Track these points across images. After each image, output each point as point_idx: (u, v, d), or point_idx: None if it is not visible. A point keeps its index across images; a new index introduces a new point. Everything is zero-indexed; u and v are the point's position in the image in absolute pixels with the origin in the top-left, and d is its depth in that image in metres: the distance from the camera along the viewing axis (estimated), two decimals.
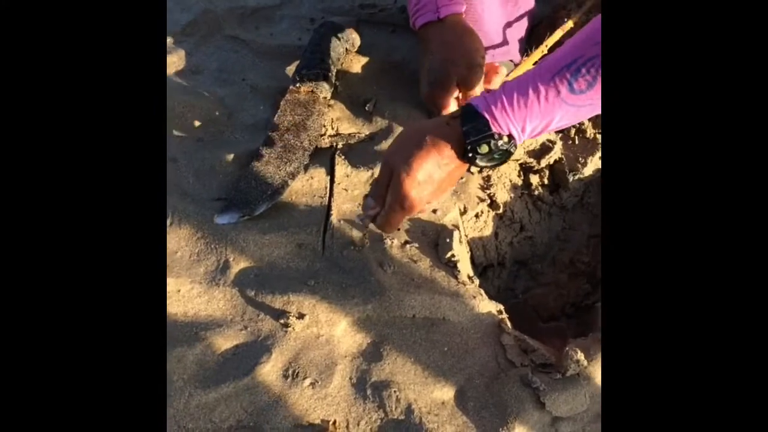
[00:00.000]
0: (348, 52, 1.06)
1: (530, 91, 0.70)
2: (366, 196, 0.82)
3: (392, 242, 0.88)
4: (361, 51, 1.09)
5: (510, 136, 0.73)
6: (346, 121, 1.01)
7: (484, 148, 0.72)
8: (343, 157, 0.96)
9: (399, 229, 0.89)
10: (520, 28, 1.01)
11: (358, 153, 0.97)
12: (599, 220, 1.02)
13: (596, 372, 0.78)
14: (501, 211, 0.97)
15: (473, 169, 0.94)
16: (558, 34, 0.95)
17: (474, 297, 0.84)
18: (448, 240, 0.88)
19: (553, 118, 0.71)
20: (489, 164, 0.75)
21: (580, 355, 0.78)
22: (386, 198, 0.77)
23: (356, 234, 0.89)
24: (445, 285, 0.85)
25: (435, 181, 0.76)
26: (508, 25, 0.98)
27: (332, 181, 0.94)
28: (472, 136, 0.72)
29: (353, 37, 1.05)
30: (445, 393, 0.78)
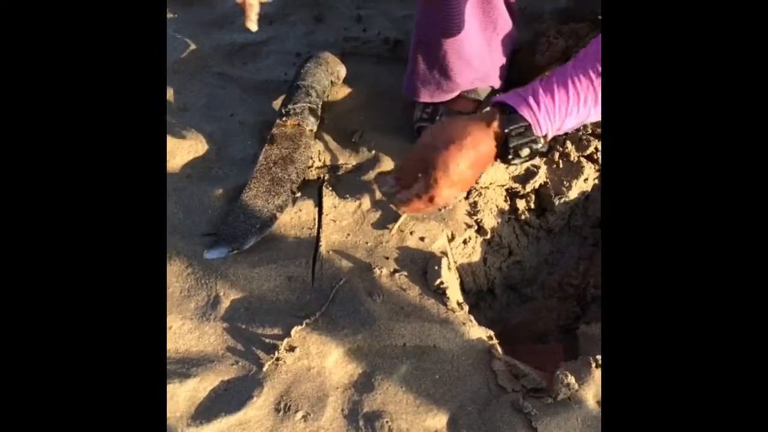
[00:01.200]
0: (334, 84, 1.08)
1: (568, 88, 0.72)
2: (382, 173, 0.85)
3: (381, 271, 0.89)
4: (347, 82, 1.11)
5: (545, 137, 0.75)
6: (333, 153, 1.03)
7: (526, 152, 0.75)
8: (330, 188, 0.97)
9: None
10: (501, 54, 1.03)
11: (346, 184, 0.99)
12: (587, 242, 1.03)
13: (588, 395, 0.78)
14: (489, 236, 0.98)
15: (460, 195, 0.95)
16: None
17: (464, 324, 0.85)
18: (436, 267, 0.89)
19: (588, 112, 0.74)
20: (520, 162, 0.78)
21: (571, 379, 0.78)
22: (413, 185, 0.78)
23: (345, 264, 0.89)
24: (434, 312, 0.85)
25: (467, 177, 0.78)
26: (489, 50, 1.00)
27: (320, 213, 0.95)
28: (515, 140, 0.74)
29: (338, 69, 1.07)
30: (438, 421, 0.78)
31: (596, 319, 0.94)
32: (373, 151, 1.02)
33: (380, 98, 1.09)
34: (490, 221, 0.98)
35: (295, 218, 0.94)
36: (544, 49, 1.04)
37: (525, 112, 0.73)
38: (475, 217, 0.97)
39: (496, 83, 1.03)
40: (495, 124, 0.75)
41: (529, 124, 0.74)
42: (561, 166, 1.00)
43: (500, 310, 1.00)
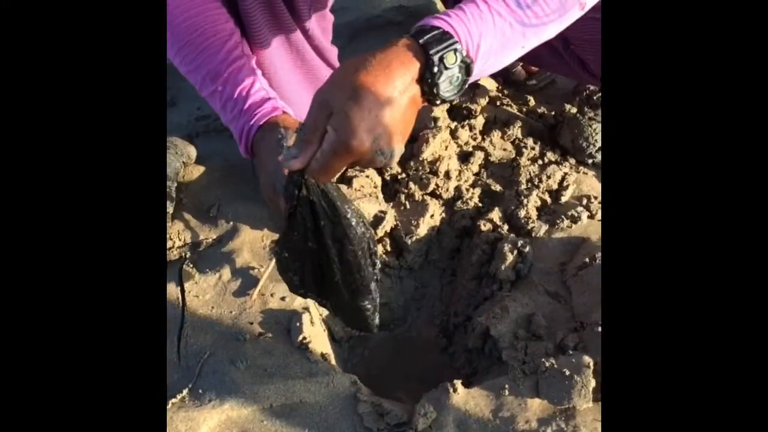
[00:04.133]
0: (186, 165, 1.12)
1: (478, 5, 0.65)
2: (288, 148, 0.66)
3: (245, 337, 0.92)
4: (199, 161, 1.15)
5: (468, 57, 0.64)
6: (192, 230, 1.06)
7: (451, 58, 0.62)
8: (191, 265, 1.00)
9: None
10: None
11: (207, 258, 1.02)
12: (447, 273, 1.09)
13: (448, 420, 0.83)
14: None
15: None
16: None
17: (327, 374, 0.88)
18: (298, 324, 0.93)
19: (505, 36, 0.66)
20: (449, 91, 0.65)
21: (429, 408, 0.83)
22: (323, 139, 0.62)
23: (210, 337, 0.92)
24: (298, 369, 0.89)
25: (390, 112, 0.61)
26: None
27: (183, 291, 0.97)
28: (435, 46, 0.62)
29: (188, 150, 1.12)
30: None
31: (461, 346, 1.00)
32: (231, 222, 1.06)
33: (234, 170, 1.14)
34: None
35: None
36: None
37: (435, 22, 0.64)
38: None
39: None
40: (407, 41, 0.63)
41: (446, 31, 0.63)
42: (408, 206, 1.06)
43: (374, 349, 1.04)
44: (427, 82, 0.63)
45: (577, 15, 0.72)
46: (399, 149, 0.65)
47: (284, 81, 1.00)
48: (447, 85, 0.64)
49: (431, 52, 0.62)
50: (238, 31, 0.92)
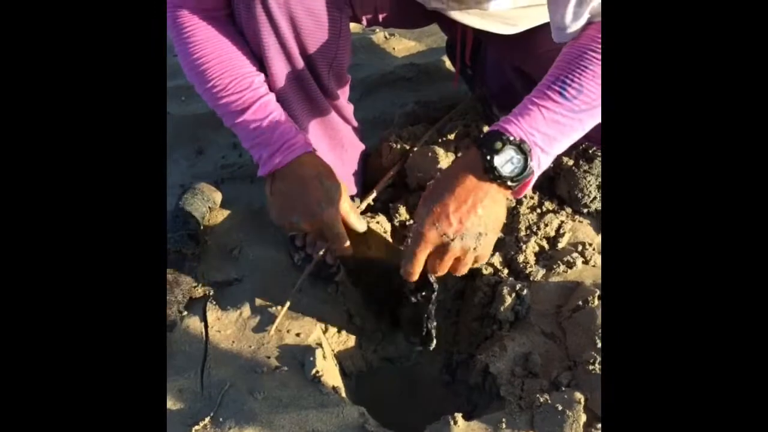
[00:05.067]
0: (211, 210, 1.22)
1: (529, 106, 0.79)
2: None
3: (263, 370, 1.00)
4: (224, 205, 1.25)
5: (522, 140, 0.77)
6: (215, 270, 1.15)
7: (498, 144, 0.76)
8: (214, 303, 1.09)
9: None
10: (353, 165, 1.19)
11: (229, 296, 1.11)
12: (452, 313, 1.16)
13: None
14: (360, 323, 1.10)
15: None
16: (382, 184, 1.15)
17: (338, 405, 0.95)
18: (311, 358, 1.00)
19: (560, 124, 0.79)
20: (512, 173, 0.78)
21: None
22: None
23: (231, 369, 1.00)
24: (311, 400, 0.96)
25: (464, 207, 0.79)
26: (342, 165, 1.16)
27: (206, 327, 1.06)
28: (486, 143, 0.78)
29: (214, 196, 1.22)
30: None
31: (462, 382, 1.07)
32: (252, 263, 1.15)
33: (256, 215, 1.23)
34: (359, 309, 1.11)
35: (183, 335, 1.05)
36: (386, 153, 1.21)
37: (492, 128, 0.80)
38: (345, 307, 1.10)
39: (353, 189, 1.19)
40: (468, 153, 0.81)
41: (497, 131, 0.78)
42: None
43: (381, 384, 1.11)
44: (486, 168, 0.78)
45: None
46: (477, 235, 0.83)
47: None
48: (507, 166, 0.78)
49: (482, 147, 0.78)
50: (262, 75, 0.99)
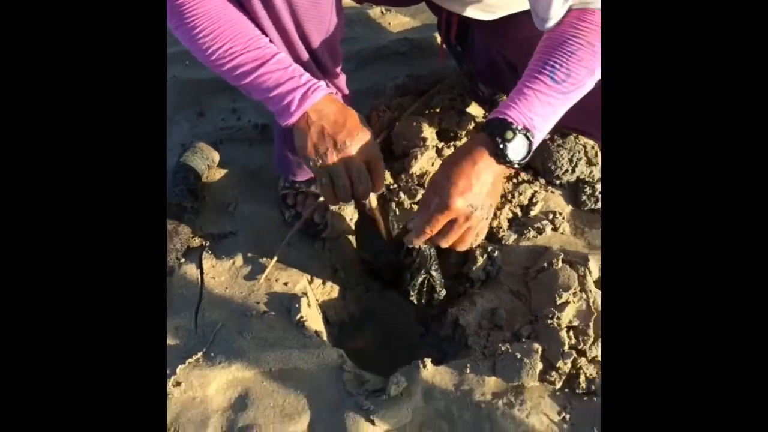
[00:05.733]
0: (210, 168, 1.30)
1: (524, 91, 0.88)
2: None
3: (252, 314, 1.09)
4: (222, 165, 1.33)
5: (526, 128, 0.87)
6: (212, 223, 1.24)
7: (509, 134, 0.87)
8: (210, 252, 1.18)
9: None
10: None
11: (224, 247, 1.20)
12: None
13: (417, 390, 0.99)
14: (344, 276, 1.19)
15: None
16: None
17: (319, 347, 1.05)
18: (297, 305, 1.10)
19: (551, 107, 0.88)
20: (519, 157, 0.89)
21: (401, 379, 0.99)
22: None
23: (223, 312, 1.09)
24: (295, 341, 1.06)
25: (479, 185, 0.90)
26: None
27: (202, 273, 1.15)
28: (496, 131, 0.87)
29: (212, 155, 1.30)
30: (299, 426, 0.97)
31: (435, 334, 1.16)
32: (246, 218, 1.24)
33: (251, 175, 1.32)
34: (344, 263, 1.20)
35: (181, 280, 1.14)
36: (375, 122, 1.29)
37: (496, 116, 0.89)
38: (330, 262, 1.19)
39: None
40: (479, 135, 0.91)
41: (503, 119, 0.87)
42: (398, 213, 1.23)
43: (361, 332, 1.20)
44: (498, 155, 0.89)
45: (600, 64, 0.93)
46: (489, 206, 0.94)
47: None
48: (515, 152, 0.89)
49: (494, 136, 0.88)
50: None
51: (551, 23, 0.91)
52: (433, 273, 1.07)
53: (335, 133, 0.95)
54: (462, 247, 0.97)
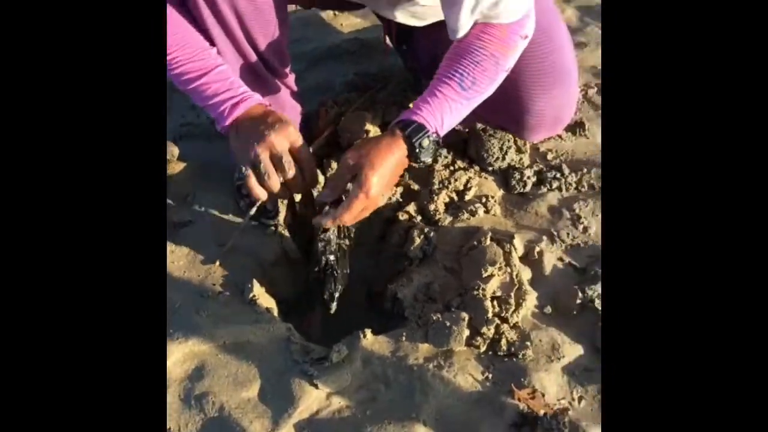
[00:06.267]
0: (169, 162, 1.40)
1: (437, 94, 1.02)
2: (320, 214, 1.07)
3: (208, 294, 1.19)
4: (181, 158, 1.43)
5: (437, 132, 1.03)
6: (172, 212, 1.33)
7: (426, 142, 1.02)
8: (170, 239, 1.28)
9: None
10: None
11: (183, 234, 1.29)
12: (374, 252, 1.36)
13: (356, 357, 1.10)
14: (293, 257, 1.30)
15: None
16: (317, 142, 1.34)
17: (269, 322, 1.15)
18: (249, 285, 1.20)
19: (457, 111, 1.03)
20: (428, 158, 1.04)
21: (342, 347, 1.10)
22: (349, 189, 1.02)
23: (182, 294, 1.19)
24: (247, 318, 1.16)
25: (390, 175, 1.03)
26: None
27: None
28: (414, 135, 1.02)
29: (172, 150, 1.40)
30: (250, 392, 1.07)
31: (377, 308, 1.27)
32: (203, 208, 1.34)
33: (208, 168, 1.42)
34: (292, 247, 1.31)
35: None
36: (322, 116, 1.40)
37: (414, 117, 1.04)
38: (281, 246, 1.30)
39: None
40: (397, 132, 1.04)
41: (421, 123, 1.02)
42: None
43: (308, 308, 1.31)
44: (413, 156, 1.04)
45: (503, 77, 1.08)
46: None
47: None
48: (426, 155, 1.05)
49: (413, 140, 1.03)
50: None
51: (460, 33, 1.03)
52: (331, 257, 1.15)
53: (256, 127, 1.05)
54: (351, 222, 1.09)
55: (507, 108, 1.23)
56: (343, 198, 1.06)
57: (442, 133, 1.05)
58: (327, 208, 1.10)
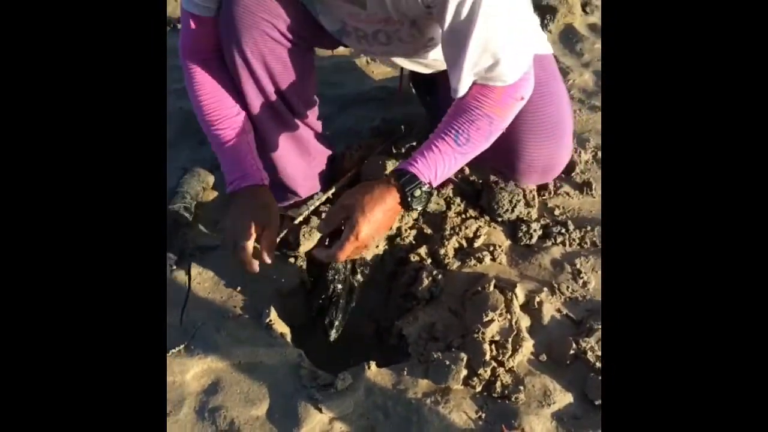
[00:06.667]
0: (204, 189, 1.51)
1: (433, 149, 1.10)
2: (315, 248, 1.19)
3: (229, 315, 1.29)
4: (215, 187, 1.55)
5: (430, 183, 1.11)
6: (202, 237, 1.45)
7: (418, 192, 1.10)
8: (198, 261, 1.39)
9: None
10: (320, 167, 1.49)
11: (211, 257, 1.40)
12: (384, 290, 1.45)
13: (360, 386, 1.18)
14: (310, 287, 1.40)
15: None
16: (340, 183, 1.45)
17: (282, 347, 1.25)
18: (267, 310, 1.29)
19: (451, 164, 1.11)
20: (420, 206, 1.12)
21: (347, 376, 1.18)
22: (342, 231, 1.09)
23: (205, 313, 1.29)
24: (263, 341, 1.25)
25: (382, 221, 1.11)
26: (309, 168, 1.46)
27: (189, 278, 1.35)
28: (408, 185, 1.10)
29: (208, 178, 1.52)
30: (260, 410, 1.16)
31: (384, 343, 1.36)
32: None
33: None
34: (309, 278, 1.40)
35: (171, 283, 1.35)
36: (347, 158, 1.51)
37: (409, 168, 1.11)
38: (299, 275, 1.40)
39: (317, 187, 1.49)
40: (392, 181, 1.12)
41: (415, 175, 1.10)
42: None
43: (320, 337, 1.40)
44: (405, 204, 1.12)
45: (498, 134, 1.17)
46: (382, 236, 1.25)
47: (273, 142, 1.38)
48: (418, 204, 1.13)
49: (406, 189, 1.11)
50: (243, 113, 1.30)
51: (460, 93, 1.13)
52: (339, 286, 1.31)
53: (242, 207, 1.25)
54: (343, 259, 1.17)
55: (501, 153, 1.32)
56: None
57: (435, 184, 1.13)
58: (327, 241, 1.21)
